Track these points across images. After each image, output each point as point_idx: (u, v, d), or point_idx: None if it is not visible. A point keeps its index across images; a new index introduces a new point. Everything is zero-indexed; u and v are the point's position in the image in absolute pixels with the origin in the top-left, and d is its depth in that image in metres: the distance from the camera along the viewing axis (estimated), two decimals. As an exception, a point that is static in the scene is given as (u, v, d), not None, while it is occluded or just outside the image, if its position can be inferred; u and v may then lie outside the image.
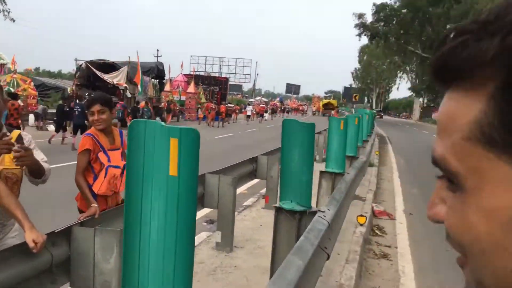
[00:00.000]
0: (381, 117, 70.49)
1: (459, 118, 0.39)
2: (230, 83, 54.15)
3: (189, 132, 1.40)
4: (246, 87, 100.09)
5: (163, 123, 1.46)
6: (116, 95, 23.32)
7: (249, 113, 36.97)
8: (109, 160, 3.38)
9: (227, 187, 4.93)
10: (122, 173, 3.45)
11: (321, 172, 5.92)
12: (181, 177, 1.40)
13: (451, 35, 0.42)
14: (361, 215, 6.11)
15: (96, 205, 3.24)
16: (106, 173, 3.35)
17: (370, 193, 8.11)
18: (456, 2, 43.84)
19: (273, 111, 50.52)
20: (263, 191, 8.04)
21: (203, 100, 33.75)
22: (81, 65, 24.36)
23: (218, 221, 5.17)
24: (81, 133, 11.55)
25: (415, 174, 12.31)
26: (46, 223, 5.34)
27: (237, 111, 37.72)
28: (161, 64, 30.69)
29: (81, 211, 3.39)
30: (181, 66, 35.31)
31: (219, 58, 65.53)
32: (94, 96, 3.63)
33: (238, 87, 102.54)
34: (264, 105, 48.29)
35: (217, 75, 58.43)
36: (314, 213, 3.57)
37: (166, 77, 32.48)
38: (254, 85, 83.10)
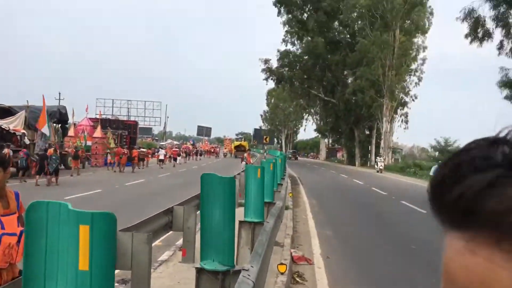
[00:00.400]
0: (296, 158, 68.01)
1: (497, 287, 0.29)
2: (139, 126, 52.72)
3: (103, 217, 1.16)
4: (157, 130, 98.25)
5: (69, 205, 1.20)
6: (12, 142, 21.39)
7: (162, 157, 35.96)
8: (2, 227, 2.91)
9: (141, 246, 4.49)
10: (18, 241, 2.98)
11: (241, 222, 5.75)
12: (94, 273, 1.14)
13: (464, 156, 0.32)
14: (281, 263, 5.99)
15: None
16: None
17: (287, 238, 8.09)
18: (351, 51, 47.56)
19: (187, 154, 50.24)
20: (179, 242, 7.62)
21: (112, 144, 32.06)
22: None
23: (132, 283, 4.70)
24: None
25: (327, 214, 12.65)
26: None
27: (149, 155, 36.66)
28: (64, 107, 28.99)
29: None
30: (86, 110, 33.67)
31: (127, 101, 63.50)
32: None
33: (148, 130, 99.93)
34: (177, 149, 47.81)
35: (125, 118, 56.48)
36: (238, 272, 3.37)
37: (70, 121, 30.65)
38: (164, 127, 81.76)
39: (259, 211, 5.87)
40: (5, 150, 17.20)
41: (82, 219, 1.14)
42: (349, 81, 50.28)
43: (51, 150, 19.62)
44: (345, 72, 51.15)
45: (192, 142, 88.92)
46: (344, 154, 58.23)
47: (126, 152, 28.97)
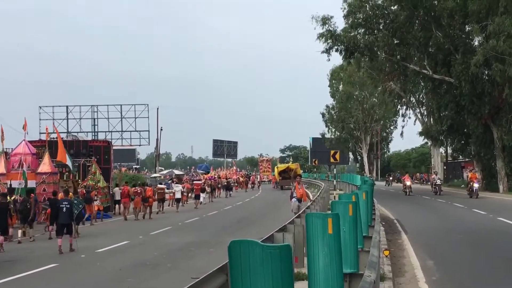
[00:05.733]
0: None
1: None
2: (114, 147, 53.54)
3: None
4: (144, 152, 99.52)
5: None
6: None
7: (178, 195, 40.92)
8: None
9: None
10: None
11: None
12: None
13: None
14: None
15: None
16: None
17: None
18: (476, -9, 46.57)
19: (212, 189, 55.28)
20: None
21: (101, 183, 34.61)
22: None
23: None
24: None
25: (458, 286, 12.28)
26: None
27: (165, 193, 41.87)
28: (-14, 127, 29.81)
29: None
30: (24, 127, 34.25)
31: (91, 107, 64.29)
32: None
33: (130, 154, 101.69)
34: (200, 181, 53.44)
35: (89, 136, 57.51)
36: None
37: (-2, 148, 31.46)
38: (157, 147, 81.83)
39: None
40: None
41: None
42: (476, 44, 49.34)
43: (61, 194, 25.50)
44: (467, 29, 50.25)
45: (204, 168, 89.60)
46: (478, 172, 56.98)
47: (139, 191, 34.02)
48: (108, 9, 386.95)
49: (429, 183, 72.92)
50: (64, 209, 20.62)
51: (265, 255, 3.21)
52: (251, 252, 3.26)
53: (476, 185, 42.35)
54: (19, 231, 23.83)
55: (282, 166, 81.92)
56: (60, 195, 25.37)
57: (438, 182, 49.05)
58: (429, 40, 51.77)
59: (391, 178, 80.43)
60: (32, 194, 26.56)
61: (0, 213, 20.54)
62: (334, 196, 27.49)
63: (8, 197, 25.30)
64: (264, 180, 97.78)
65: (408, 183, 50.82)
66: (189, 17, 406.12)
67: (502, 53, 42.69)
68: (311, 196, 33.17)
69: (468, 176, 47.08)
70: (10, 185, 29.80)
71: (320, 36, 52.53)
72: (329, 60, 55.60)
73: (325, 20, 52.43)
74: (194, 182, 53.41)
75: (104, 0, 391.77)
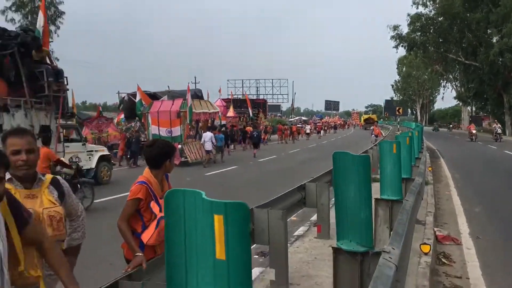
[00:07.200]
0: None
1: None
2: (268, 104, 54.34)
3: (237, 207, 1.10)
4: (285, 106, 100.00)
5: (203, 194, 1.16)
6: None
7: (308, 131, 43.79)
8: (161, 210, 3.14)
9: (277, 222, 4.56)
10: None
11: (377, 200, 5.46)
12: (231, 262, 1.09)
13: None
14: (425, 243, 5.56)
15: (141, 254, 3.00)
16: (157, 225, 3.10)
17: (429, 216, 7.50)
18: (495, 6, 42.24)
19: (326, 128, 57.70)
20: (314, 217, 7.61)
21: (266, 123, 40.29)
22: (123, 97, 24.91)
23: (271, 257, 4.81)
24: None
25: (474, 189, 11.46)
26: (90, 262, 5.18)
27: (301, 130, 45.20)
28: (200, 91, 30.86)
29: (127, 260, 3.16)
30: (219, 91, 35.55)
31: (255, 80, 65.43)
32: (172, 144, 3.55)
33: (276, 108, 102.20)
34: (320, 124, 56.87)
35: (254, 97, 58.59)
36: (378, 253, 3.16)
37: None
38: (292, 104, 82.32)
39: (396, 188, 5.50)
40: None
41: (216, 209, 1.10)
42: (494, 41, 44.72)
43: (249, 128, 30.01)
44: (489, 31, 45.54)
45: (319, 117, 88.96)
46: (492, 123, 52.21)
47: (286, 128, 37.54)
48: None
49: (459, 128, 67.74)
50: (255, 134, 24.31)
51: (354, 160, 3.16)
52: (346, 159, 3.22)
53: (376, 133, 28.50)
54: (231, 146, 26.42)
55: (365, 116, 79.96)
56: (250, 128, 29.51)
57: (499, 130, 34.58)
58: (463, 39, 47.70)
59: (451, 126, 68.16)
60: (235, 127, 30.10)
61: (221, 140, 20.60)
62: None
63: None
64: (354, 125, 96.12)
65: (474, 131, 35.03)
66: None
67: (511, 47, 39.01)
68: (383, 134, 32.01)
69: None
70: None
71: (392, 37, 49.80)
72: (397, 52, 53.70)
73: (395, 27, 49.57)
74: (316, 124, 56.49)
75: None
